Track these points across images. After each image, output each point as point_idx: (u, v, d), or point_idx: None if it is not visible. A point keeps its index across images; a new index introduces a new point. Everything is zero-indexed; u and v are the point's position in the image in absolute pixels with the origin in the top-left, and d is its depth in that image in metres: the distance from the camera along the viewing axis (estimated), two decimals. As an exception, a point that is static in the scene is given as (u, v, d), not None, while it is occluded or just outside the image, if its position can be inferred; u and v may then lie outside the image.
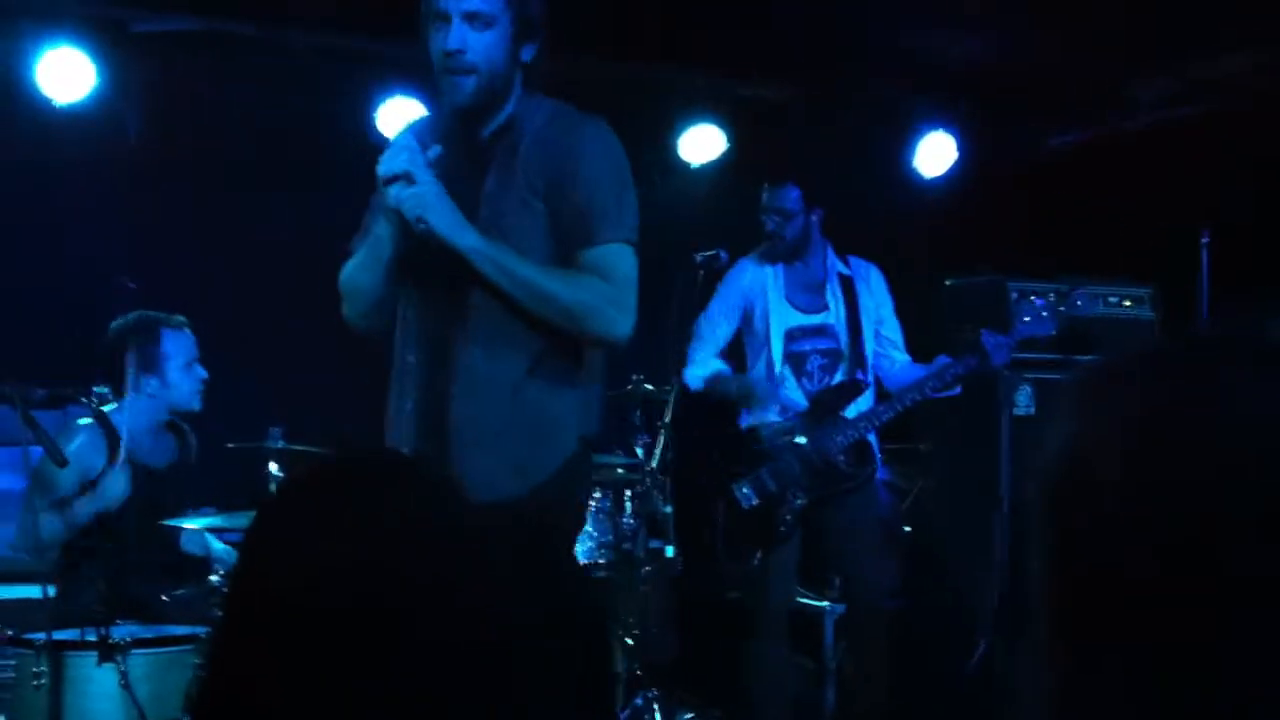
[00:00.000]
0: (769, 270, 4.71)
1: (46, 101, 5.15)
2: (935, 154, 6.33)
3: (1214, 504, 0.82)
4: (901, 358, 4.74)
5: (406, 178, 2.67)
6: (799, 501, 4.52)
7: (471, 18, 2.66)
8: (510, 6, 2.69)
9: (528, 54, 2.77)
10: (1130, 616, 0.84)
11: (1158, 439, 0.85)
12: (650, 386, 4.98)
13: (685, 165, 6.17)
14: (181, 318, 4.31)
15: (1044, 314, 4.61)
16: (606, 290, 2.75)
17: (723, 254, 4.60)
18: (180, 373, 4.28)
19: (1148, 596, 0.83)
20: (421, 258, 2.77)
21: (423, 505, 1.20)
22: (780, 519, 4.51)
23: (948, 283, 5.79)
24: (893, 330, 4.76)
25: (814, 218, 4.69)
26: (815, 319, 4.68)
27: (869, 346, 4.66)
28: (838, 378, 4.65)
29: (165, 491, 4.22)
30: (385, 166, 2.70)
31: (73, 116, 5.20)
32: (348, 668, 1.11)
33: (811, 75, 6.01)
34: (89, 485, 4.12)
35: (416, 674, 1.12)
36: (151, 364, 4.24)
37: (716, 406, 4.79)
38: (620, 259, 2.78)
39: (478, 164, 2.79)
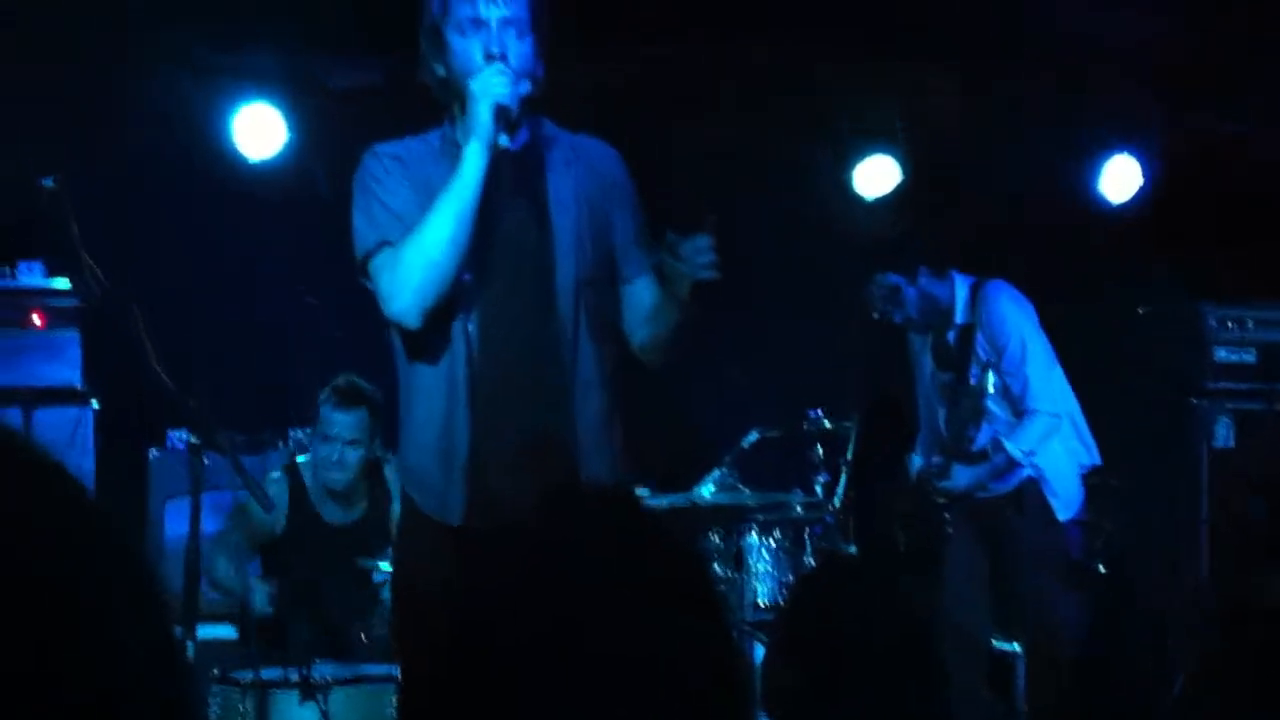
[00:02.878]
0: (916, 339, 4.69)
1: (241, 158, 5.37)
2: (1120, 178, 6.13)
3: None
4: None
5: (502, 59, 2.68)
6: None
7: (509, 24, 2.72)
8: (536, 19, 2.77)
9: (541, 70, 2.82)
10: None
11: None
12: (829, 423, 4.93)
13: (860, 199, 6.10)
14: (367, 388, 4.31)
15: (1241, 340, 4.42)
16: None
17: (907, 289, 4.52)
18: (321, 443, 4.36)
19: None
20: (497, 236, 2.76)
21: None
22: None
23: (1140, 310, 5.59)
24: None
25: (922, 282, 4.56)
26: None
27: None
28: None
29: (354, 539, 4.31)
30: (484, 81, 2.69)
31: (266, 170, 5.40)
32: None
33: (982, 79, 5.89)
34: (279, 530, 4.28)
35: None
36: (314, 421, 4.41)
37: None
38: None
39: (508, 173, 2.79)
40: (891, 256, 4.58)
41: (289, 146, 5.37)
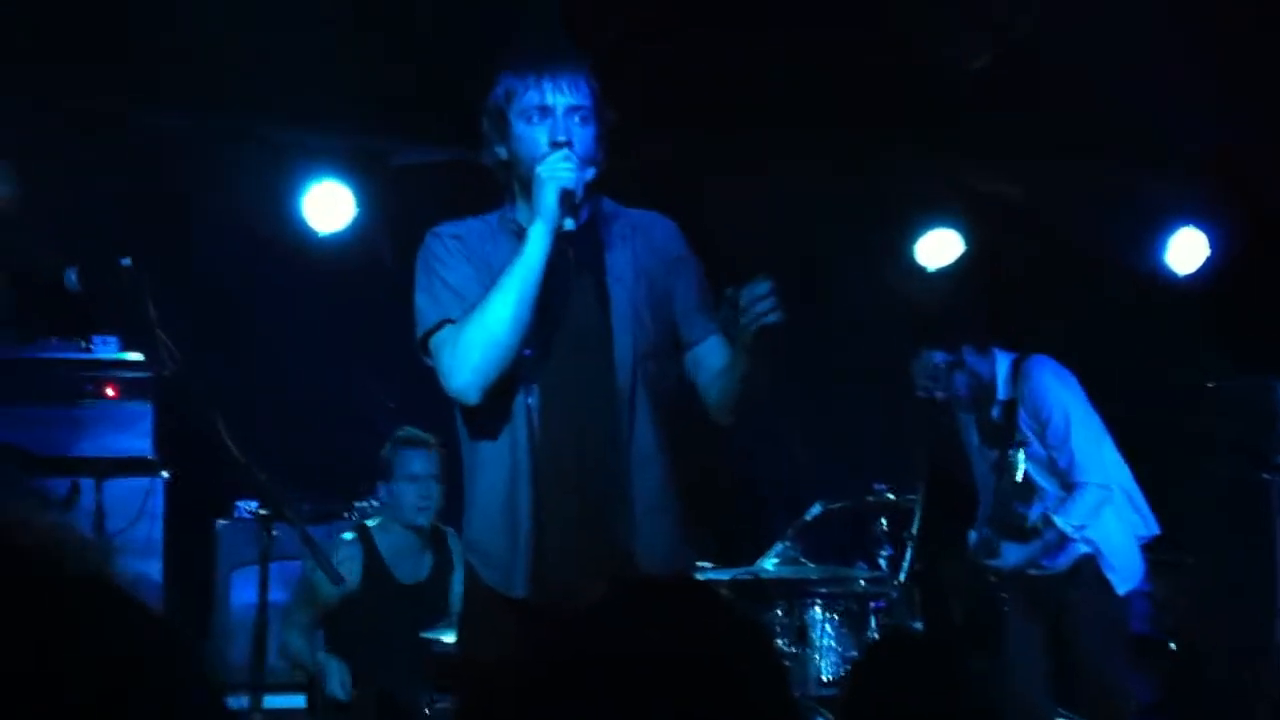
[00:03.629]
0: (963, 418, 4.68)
1: (310, 231, 5.48)
2: (1186, 250, 6.08)
3: None
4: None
5: (567, 145, 2.76)
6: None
7: (574, 111, 2.80)
8: (598, 106, 2.85)
9: (603, 155, 2.89)
10: None
11: None
12: (893, 496, 4.89)
13: (922, 269, 6.10)
14: (429, 436, 4.45)
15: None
16: None
17: (969, 356, 4.51)
18: (405, 484, 4.44)
19: None
20: (558, 313, 2.81)
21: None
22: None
23: (1209, 384, 5.52)
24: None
25: (967, 358, 4.55)
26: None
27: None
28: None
29: (420, 605, 4.35)
30: (550, 166, 2.76)
31: (333, 244, 5.50)
32: None
33: (1047, 169, 5.89)
34: (349, 599, 4.31)
35: None
36: (386, 474, 4.48)
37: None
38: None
39: (568, 251, 2.83)
40: (936, 333, 4.58)
41: (357, 220, 5.48)
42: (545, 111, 2.80)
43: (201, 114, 5.19)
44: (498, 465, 2.81)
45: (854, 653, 4.78)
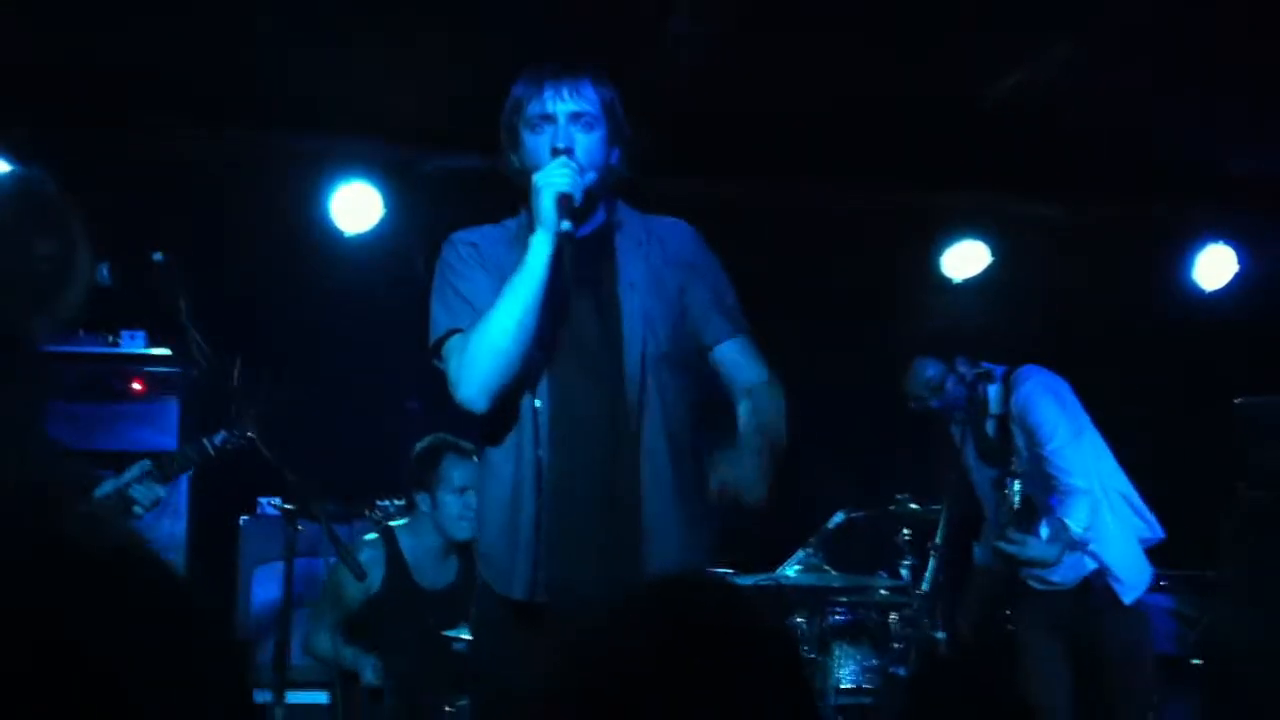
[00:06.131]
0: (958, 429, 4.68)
1: (338, 232, 5.50)
2: (1215, 266, 6.07)
3: None
4: None
5: (567, 153, 2.74)
6: None
7: (576, 118, 2.79)
8: (605, 111, 2.83)
9: (615, 157, 2.87)
10: None
11: None
12: (916, 506, 4.88)
13: (947, 281, 6.09)
14: (470, 445, 4.43)
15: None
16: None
17: (961, 366, 4.51)
18: (451, 496, 4.42)
19: None
20: (568, 314, 2.80)
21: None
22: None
23: (1237, 401, 5.49)
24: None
25: (960, 369, 4.54)
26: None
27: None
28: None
29: (441, 611, 4.34)
30: (547, 173, 2.74)
31: (360, 245, 5.52)
32: None
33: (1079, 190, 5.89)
34: (372, 599, 4.32)
35: None
36: (427, 483, 4.44)
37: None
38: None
39: (578, 258, 2.79)
40: (931, 343, 4.58)
41: (384, 222, 5.49)
42: (548, 119, 2.79)
43: (231, 120, 5.23)
44: (504, 471, 2.80)
45: (875, 661, 4.78)
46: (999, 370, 4.57)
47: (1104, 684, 4.47)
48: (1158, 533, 4.53)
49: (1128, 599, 4.42)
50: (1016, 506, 4.21)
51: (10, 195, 3.16)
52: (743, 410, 2.86)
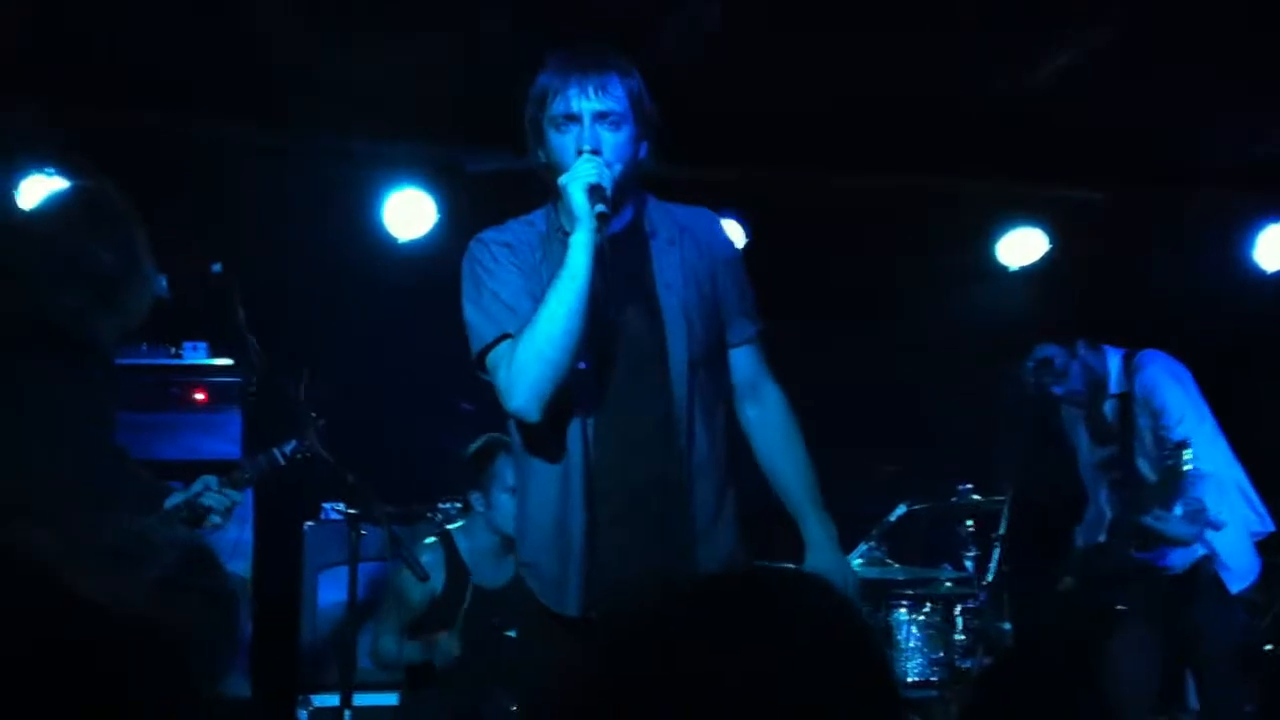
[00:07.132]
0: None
1: (391, 239, 5.53)
2: (1275, 247, 5.98)
3: None
4: None
5: (594, 154, 2.70)
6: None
7: (602, 117, 2.73)
8: (633, 107, 2.77)
9: (644, 152, 2.82)
10: None
11: None
12: (978, 497, 4.84)
13: (1004, 268, 6.04)
14: None
15: None
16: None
17: (1069, 361, 4.46)
18: (505, 495, 4.39)
19: None
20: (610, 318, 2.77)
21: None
22: None
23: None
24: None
25: (1081, 353, 4.51)
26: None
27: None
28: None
29: (502, 610, 4.34)
30: (574, 171, 2.70)
31: (413, 251, 5.55)
32: None
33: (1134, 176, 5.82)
34: (434, 600, 4.34)
35: None
36: (481, 483, 4.45)
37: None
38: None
39: (615, 260, 2.77)
40: (1050, 329, 4.56)
41: (437, 227, 5.52)
42: (573, 119, 2.73)
43: (285, 129, 5.28)
44: (550, 482, 2.76)
45: (940, 654, 4.74)
46: (1119, 353, 4.56)
47: (1201, 671, 4.44)
48: (1269, 525, 4.49)
49: (1234, 588, 4.38)
50: (1187, 470, 4.12)
51: (77, 206, 3.22)
52: (751, 413, 2.91)
